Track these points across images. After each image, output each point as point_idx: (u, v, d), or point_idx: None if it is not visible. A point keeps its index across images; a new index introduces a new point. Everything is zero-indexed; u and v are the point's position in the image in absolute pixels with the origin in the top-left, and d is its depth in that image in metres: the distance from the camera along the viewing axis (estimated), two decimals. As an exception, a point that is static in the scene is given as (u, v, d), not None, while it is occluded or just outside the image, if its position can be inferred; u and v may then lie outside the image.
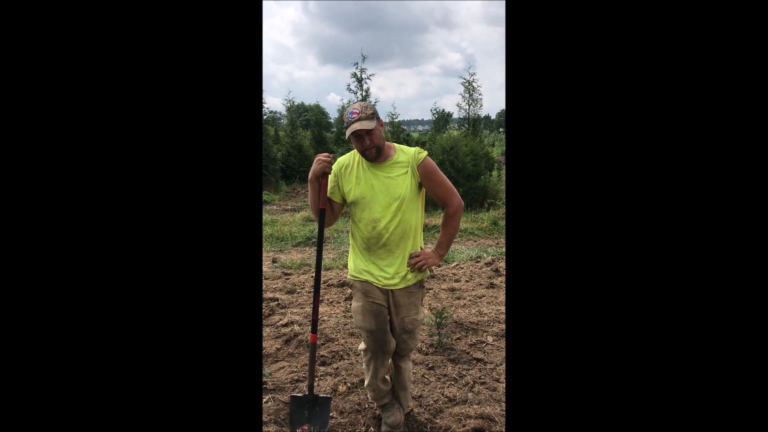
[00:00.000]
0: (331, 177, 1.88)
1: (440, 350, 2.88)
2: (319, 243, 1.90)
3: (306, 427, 1.92)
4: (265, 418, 2.15)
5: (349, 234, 1.95)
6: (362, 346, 1.97)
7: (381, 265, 1.86)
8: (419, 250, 1.90)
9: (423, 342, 3.00)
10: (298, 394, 2.01)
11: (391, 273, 1.85)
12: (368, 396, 2.13)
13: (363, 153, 1.78)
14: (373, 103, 1.90)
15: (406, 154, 1.84)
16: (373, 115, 1.74)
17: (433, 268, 4.91)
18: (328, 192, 1.89)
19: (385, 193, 1.79)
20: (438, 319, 2.99)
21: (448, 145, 8.93)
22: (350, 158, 1.87)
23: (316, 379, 2.53)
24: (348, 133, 1.73)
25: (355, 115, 1.72)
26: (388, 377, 2.07)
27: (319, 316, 3.45)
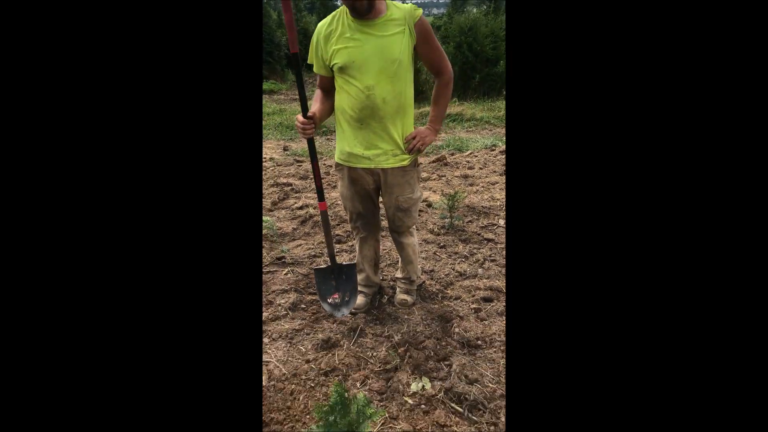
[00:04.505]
0: (311, 50, 1.72)
1: (452, 232, 2.95)
2: (302, 95, 1.68)
3: (336, 296, 2.02)
4: (286, 287, 2.29)
5: (335, 112, 1.81)
6: (351, 225, 2.01)
7: (375, 141, 1.74)
8: (413, 130, 1.80)
9: (434, 224, 3.06)
10: (321, 267, 2.07)
11: (386, 149, 1.76)
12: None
13: (352, 5, 1.55)
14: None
15: (400, 10, 1.61)
16: None
17: (446, 156, 4.84)
18: (314, 69, 1.75)
19: (380, 55, 1.60)
20: (450, 203, 3.00)
21: (467, 25, 8.17)
22: (332, 20, 1.64)
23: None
24: None
25: None
26: (375, 262, 2.12)
27: (332, 202, 3.49)
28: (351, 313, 2.03)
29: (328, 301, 2.04)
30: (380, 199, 1.96)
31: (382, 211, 2.05)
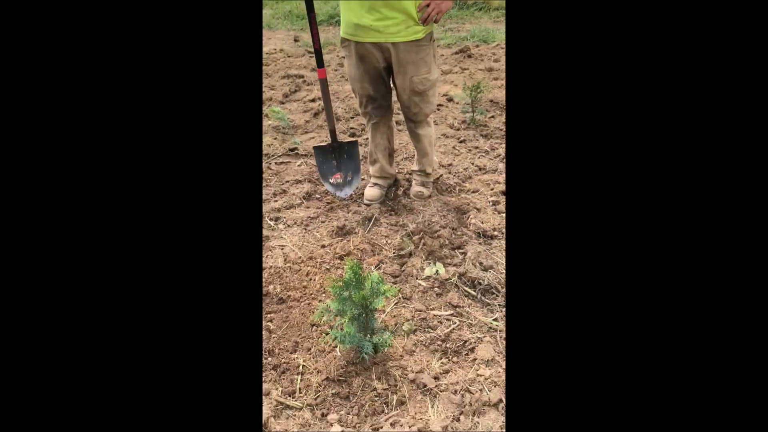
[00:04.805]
0: None
1: (472, 126, 2.79)
2: None
3: (338, 176, 1.96)
4: (299, 177, 2.25)
5: None
6: (361, 111, 1.89)
7: (384, 10, 1.55)
8: None
9: (455, 119, 2.89)
10: (321, 144, 1.98)
11: (396, 20, 1.56)
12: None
13: None
14: None
15: None
16: None
17: (470, 47, 4.44)
18: None
19: None
20: (472, 96, 2.79)
21: None
22: None
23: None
24: None
25: None
26: (389, 151, 2.00)
27: (345, 94, 3.30)
28: (365, 204, 2.00)
29: (330, 181, 1.98)
30: (392, 84, 1.81)
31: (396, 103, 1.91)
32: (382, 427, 1.11)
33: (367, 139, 2.06)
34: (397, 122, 2.69)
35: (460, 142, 2.60)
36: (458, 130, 2.76)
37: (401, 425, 1.11)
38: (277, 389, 1.22)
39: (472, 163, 2.35)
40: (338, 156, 1.94)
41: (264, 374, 1.27)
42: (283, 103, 3.24)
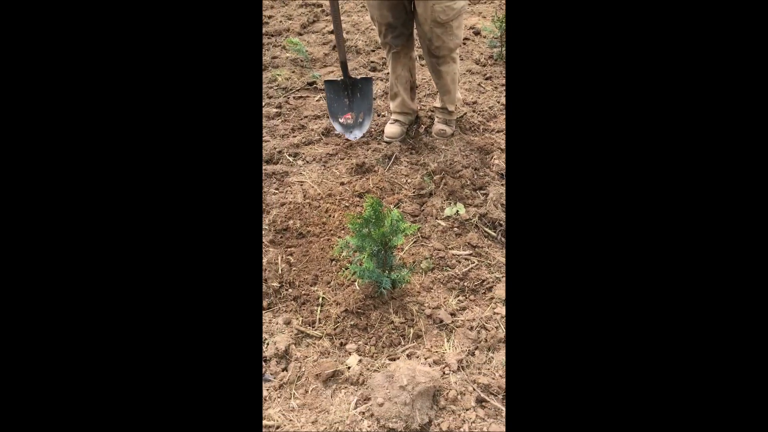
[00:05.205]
0: None
1: (500, 62, 2.63)
2: None
3: (349, 116, 1.87)
4: (318, 113, 2.19)
5: None
6: (381, 41, 1.77)
7: None
8: None
9: (481, 54, 2.72)
10: (334, 79, 1.87)
11: None
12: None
13: None
14: None
15: None
16: None
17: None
18: None
19: None
20: (501, 29, 2.60)
21: None
22: None
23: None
24: None
25: None
26: (410, 84, 1.90)
27: (366, 25, 3.11)
28: (385, 141, 1.94)
29: (340, 120, 1.89)
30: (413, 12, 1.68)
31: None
32: (398, 357, 1.15)
33: (388, 73, 1.95)
34: (419, 56, 2.55)
35: (486, 78, 2.46)
36: (484, 66, 2.60)
37: (417, 357, 1.14)
38: (297, 319, 1.27)
39: (498, 102, 2.23)
40: (351, 94, 1.83)
41: (285, 305, 1.31)
42: (301, 34, 3.09)
